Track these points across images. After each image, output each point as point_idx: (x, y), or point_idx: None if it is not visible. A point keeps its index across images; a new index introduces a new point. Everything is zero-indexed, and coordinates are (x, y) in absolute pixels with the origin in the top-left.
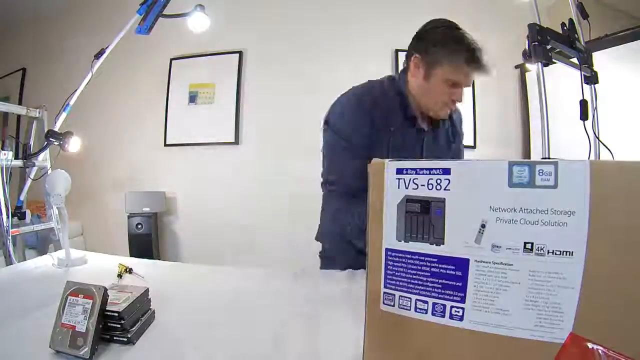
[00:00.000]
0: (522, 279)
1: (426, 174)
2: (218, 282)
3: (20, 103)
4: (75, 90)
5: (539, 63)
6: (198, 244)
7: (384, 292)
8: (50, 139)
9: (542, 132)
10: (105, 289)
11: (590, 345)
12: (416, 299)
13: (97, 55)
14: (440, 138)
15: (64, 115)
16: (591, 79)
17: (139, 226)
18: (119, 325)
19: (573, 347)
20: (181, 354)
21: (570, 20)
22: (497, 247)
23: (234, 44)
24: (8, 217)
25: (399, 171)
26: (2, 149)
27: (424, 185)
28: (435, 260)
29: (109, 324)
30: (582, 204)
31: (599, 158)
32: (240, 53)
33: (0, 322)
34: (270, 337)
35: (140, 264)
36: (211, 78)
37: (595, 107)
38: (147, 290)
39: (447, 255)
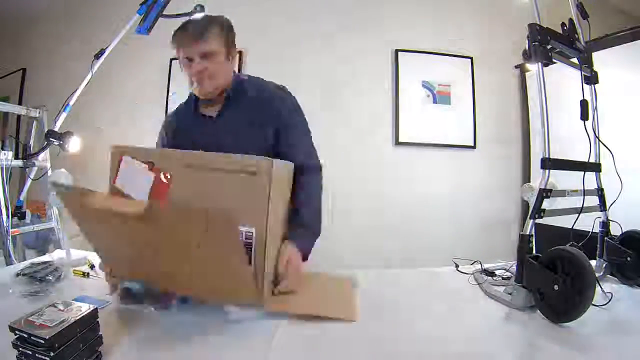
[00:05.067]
0: None
1: None
2: None
3: (20, 103)
4: (75, 90)
5: (539, 63)
6: None
7: None
8: (50, 139)
9: (542, 132)
10: None
11: None
12: None
13: (97, 55)
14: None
15: (64, 115)
16: (591, 79)
17: None
18: (47, 359)
19: None
20: None
21: (570, 20)
22: None
23: None
24: (8, 217)
25: None
26: (2, 149)
27: None
28: None
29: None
30: None
31: (599, 158)
32: (240, 53)
33: None
34: None
35: None
36: None
37: (595, 107)
38: (94, 311)
39: None
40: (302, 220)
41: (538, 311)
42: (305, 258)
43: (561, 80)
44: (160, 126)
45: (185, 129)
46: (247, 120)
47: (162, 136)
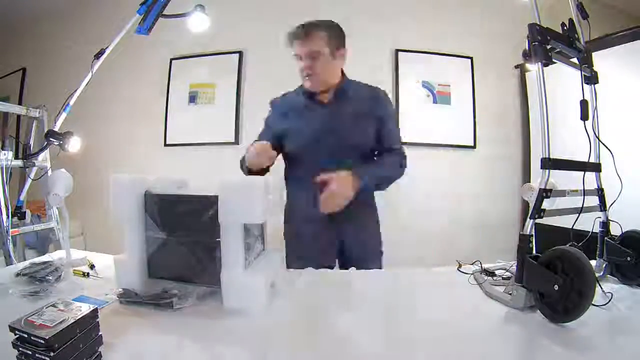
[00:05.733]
0: None
1: None
2: None
3: (20, 103)
4: (75, 90)
5: (539, 63)
6: None
7: None
8: (50, 139)
9: (542, 132)
10: None
11: None
12: None
13: (97, 55)
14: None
15: (64, 115)
16: (591, 79)
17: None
18: (47, 359)
19: None
20: None
21: (570, 20)
22: None
23: (234, 44)
24: (8, 217)
25: None
26: (2, 149)
27: None
28: None
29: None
30: None
31: (599, 158)
32: (240, 53)
33: None
34: None
35: None
36: (211, 78)
37: (595, 107)
38: (94, 311)
39: None
40: (371, 164)
41: (538, 311)
42: (357, 189)
43: (561, 80)
44: (269, 112)
45: (298, 112)
46: (355, 109)
47: (272, 118)
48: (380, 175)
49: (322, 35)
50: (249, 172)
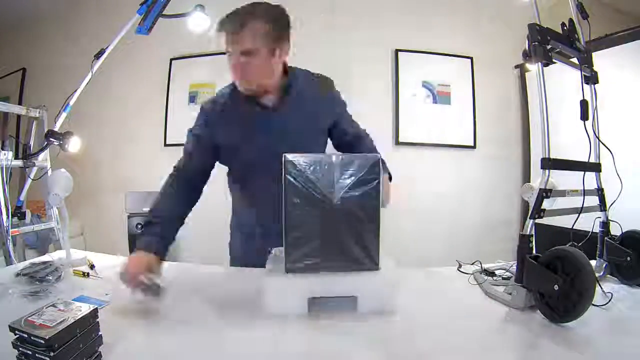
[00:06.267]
0: None
1: None
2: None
3: (20, 103)
4: (75, 90)
5: (539, 63)
6: (197, 244)
7: None
8: (50, 139)
9: (542, 132)
10: None
11: None
12: None
13: (97, 55)
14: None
15: (64, 115)
16: (591, 79)
17: (139, 226)
18: (47, 359)
19: None
20: None
21: (570, 20)
22: None
23: None
24: (8, 217)
25: None
26: (2, 149)
27: None
28: None
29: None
30: None
31: (599, 158)
32: None
33: None
34: None
35: None
36: (211, 78)
37: (595, 107)
38: (94, 311)
39: None
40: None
41: (538, 311)
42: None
43: (561, 80)
44: (199, 118)
45: (238, 121)
46: (306, 110)
47: (201, 127)
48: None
49: (261, 28)
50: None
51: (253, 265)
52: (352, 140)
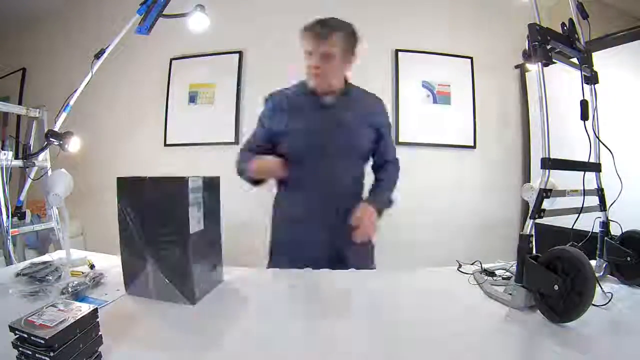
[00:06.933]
0: None
1: None
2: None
3: (20, 103)
4: (75, 90)
5: (539, 63)
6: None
7: None
8: (50, 139)
9: (542, 132)
10: None
11: None
12: None
13: (97, 55)
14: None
15: (64, 115)
16: (591, 79)
17: None
18: (47, 359)
19: None
20: None
21: (570, 20)
22: None
23: (234, 44)
24: (8, 217)
25: None
26: (2, 149)
27: None
28: None
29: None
30: None
31: (599, 158)
32: (240, 53)
33: None
34: None
35: None
36: (211, 78)
37: (595, 107)
38: (94, 311)
39: None
40: (379, 189)
41: (538, 311)
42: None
43: (561, 80)
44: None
45: (300, 111)
46: (357, 113)
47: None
48: (390, 197)
49: (341, 38)
50: (254, 182)
51: (298, 253)
52: (382, 164)
